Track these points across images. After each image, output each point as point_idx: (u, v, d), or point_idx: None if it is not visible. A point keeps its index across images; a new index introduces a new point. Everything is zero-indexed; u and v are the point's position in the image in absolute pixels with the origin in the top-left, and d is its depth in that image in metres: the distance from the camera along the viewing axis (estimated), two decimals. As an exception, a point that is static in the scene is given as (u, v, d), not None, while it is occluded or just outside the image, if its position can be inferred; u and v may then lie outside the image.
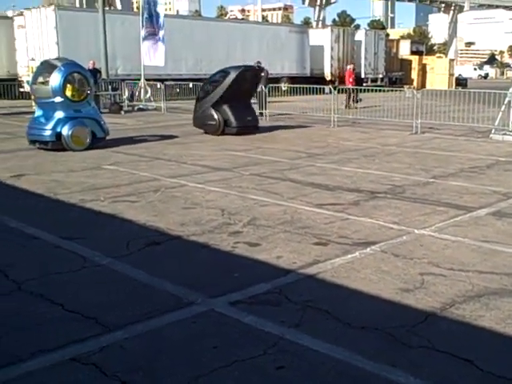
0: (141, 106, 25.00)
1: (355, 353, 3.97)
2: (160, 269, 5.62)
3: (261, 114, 21.78)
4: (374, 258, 5.93)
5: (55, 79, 12.83)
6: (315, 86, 22.56)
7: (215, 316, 4.61)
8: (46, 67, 13.55)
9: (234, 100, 15.64)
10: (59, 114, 12.90)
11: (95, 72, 22.17)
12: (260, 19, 57.82)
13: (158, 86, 24.67)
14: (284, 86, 27.83)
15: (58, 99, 12.85)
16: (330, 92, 20.22)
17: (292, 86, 24.38)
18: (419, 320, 4.48)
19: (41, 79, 13.48)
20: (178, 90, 27.94)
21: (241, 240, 6.51)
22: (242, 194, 8.81)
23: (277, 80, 31.75)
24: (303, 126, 18.81)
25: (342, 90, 21.08)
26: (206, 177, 10.13)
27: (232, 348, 4.07)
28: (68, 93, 12.93)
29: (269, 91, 20.99)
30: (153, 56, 24.85)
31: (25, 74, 26.69)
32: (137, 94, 26.11)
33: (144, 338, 4.24)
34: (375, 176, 10.21)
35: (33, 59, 25.59)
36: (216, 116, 15.76)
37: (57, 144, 12.86)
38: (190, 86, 25.75)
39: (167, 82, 26.13)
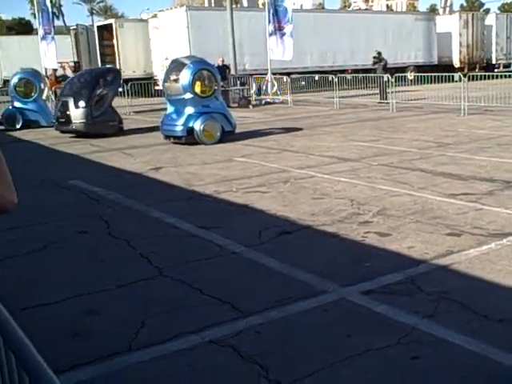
0: (268, 100, 25.40)
1: (493, 346, 3.87)
2: (292, 257, 5.76)
3: (380, 103, 21.47)
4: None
5: (185, 77, 13.39)
6: (443, 74, 21.81)
7: (347, 305, 4.66)
8: (177, 65, 14.14)
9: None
10: (189, 110, 13.45)
11: (224, 68, 22.84)
12: (384, 8, 56.48)
13: (284, 80, 24.93)
14: (410, 75, 27.12)
15: (188, 95, 13.40)
16: (460, 80, 19.47)
17: (419, 74, 23.69)
18: None
19: (172, 77, 14.09)
20: (303, 82, 28.10)
21: (371, 230, 6.51)
22: (371, 184, 8.76)
23: (403, 69, 30.99)
24: (431, 115, 18.26)
25: (473, 76, 20.17)
26: (334, 168, 10.17)
27: (365, 336, 4.10)
28: (197, 89, 13.43)
29: (395, 80, 20.55)
30: (280, 51, 25.13)
31: (159, 72, 27.96)
32: (264, 88, 26.54)
33: (278, 324, 4.38)
34: (510, 165, 9.75)
35: (166, 58, 26.72)
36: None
37: (189, 138, 13.43)
38: (316, 78, 25.78)
39: (293, 76, 26.34)
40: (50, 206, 8.35)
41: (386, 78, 21.16)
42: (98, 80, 16.25)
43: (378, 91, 22.67)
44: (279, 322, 4.42)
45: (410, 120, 17.08)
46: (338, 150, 12.12)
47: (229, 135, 13.90)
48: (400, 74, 22.31)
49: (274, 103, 24.79)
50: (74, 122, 15.66)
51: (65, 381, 3.56)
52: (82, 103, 15.65)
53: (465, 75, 19.50)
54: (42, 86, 19.47)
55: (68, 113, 15.70)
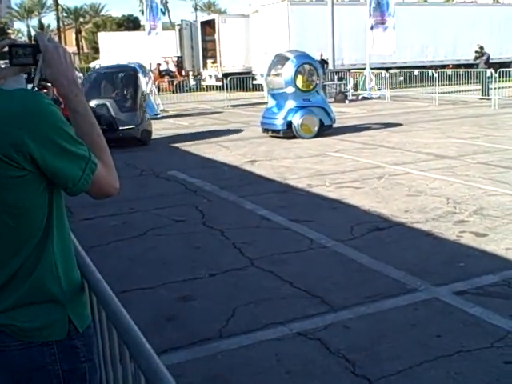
0: (365, 95, 25.08)
1: None
2: (383, 254, 5.71)
3: (481, 99, 20.66)
4: None
5: (287, 71, 13.53)
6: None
7: (439, 305, 4.58)
8: (279, 59, 14.29)
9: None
10: (290, 104, 13.57)
11: (322, 63, 22.75)
12: (490, 1, 53.99)
13: (383, 75, 24.53)
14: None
15: (290, 90, 13.50)
16: None
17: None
18: None
19: (274, 71, 14.24)
20: (401, 77, 27.52)
21: (466, 229, 6.34)
22: (469, 182, 8.50)
23: (508, 64, 29.63)
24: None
25: None
26: (431, 165, 9.94)
27: (457, 338, 4.02)
28: (299, 83, 13.52)
29: (499, 76, 19.71)
30: (381, 45, 24.70)
31: (258, 67, 28.23)
32: (361, 83, 26.22)
33: (367, 320, 4.38)
34: None
35: (266, 53, 26.94)
36: None
37: (287, 132, 13.57)
38: (415, 73, 25.18)
39: (391, 71, 25.85)
40: (149, 195, 8.69)
41: (489, 73, 20.37)
42: (136, 79, 14.27)
43: (479, 87, 21.87)
44: (368, 317, 4.42)
45: (513, 117, 16.35)
46: (436, 146, 11.82)
47: (328, 129, 13.90)
48: (505, 69, 21.38)
49: (371, 98, 24.44)
50: (121, 128, 13.21)
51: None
52: (129, 105, 13.73)
53: None
54: (147, 79, 20.13)
55: (112, 118, 13.18)
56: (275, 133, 13.82)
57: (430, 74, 22.61)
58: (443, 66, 29.67)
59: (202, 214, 7.41)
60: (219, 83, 28.98)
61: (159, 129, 16.66)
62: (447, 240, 6.06)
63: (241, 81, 25.85)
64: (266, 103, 14.99)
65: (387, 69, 25.65)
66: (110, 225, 7.16)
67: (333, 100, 22.54)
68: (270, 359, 3.88)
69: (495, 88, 19.46)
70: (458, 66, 29.89)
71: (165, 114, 20.47)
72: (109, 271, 5.41)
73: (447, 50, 32.13)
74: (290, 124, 13.53)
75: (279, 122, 13.61)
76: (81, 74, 20.50)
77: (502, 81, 20.31)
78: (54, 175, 1.63)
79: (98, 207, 7.23)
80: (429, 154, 11.02)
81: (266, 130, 14.20)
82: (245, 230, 6.78)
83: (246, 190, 8.62)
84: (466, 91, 22.71)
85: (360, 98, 24.81)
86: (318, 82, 13.91)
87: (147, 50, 30.08)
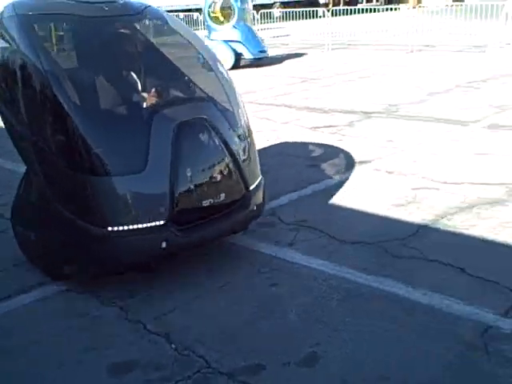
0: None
1: (348, 267, 4.00)
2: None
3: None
4: (367, 177, 5.93)
5: None
6: (308, 9, 21.98)
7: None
8: None
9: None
10: None
11: None
12: None
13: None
14: (277, 12, 27.05)
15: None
16: (324, 15, 19.73)
17: (285, 10, 23.72)
18: (411, 233, 4.51)
19: None
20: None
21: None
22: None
23: (270, 6, 30.87)
24: (298, 51, 18.39)
25: (336, 12, 20.47)
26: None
27: (225, 271, 4.08)
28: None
29: (261, 18, 20.44)
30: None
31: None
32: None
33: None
34: (370, 97, 10.05)
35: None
36: None
37: None
38: (181, 16, 25.01)
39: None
40: None
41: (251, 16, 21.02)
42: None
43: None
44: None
45: (275, 58, 17.07)
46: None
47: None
48: (266, 11, 22.20)
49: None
50: (251, 188, 4.13)
51: None
52: (240, 124, 4.38)
53: (328, 10, 19.78)
54: None
55: (237, 166, 4.01)
56: None
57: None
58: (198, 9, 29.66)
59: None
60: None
61: None
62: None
63: None
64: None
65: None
66: None
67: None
68: None
69: (258, 30, 20.06)
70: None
71: None
72: None
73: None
74: None
75: None
76: None
77: (264, 22, 21.04)
78: None
79: None
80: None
81: None
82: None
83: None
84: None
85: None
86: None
87: None
